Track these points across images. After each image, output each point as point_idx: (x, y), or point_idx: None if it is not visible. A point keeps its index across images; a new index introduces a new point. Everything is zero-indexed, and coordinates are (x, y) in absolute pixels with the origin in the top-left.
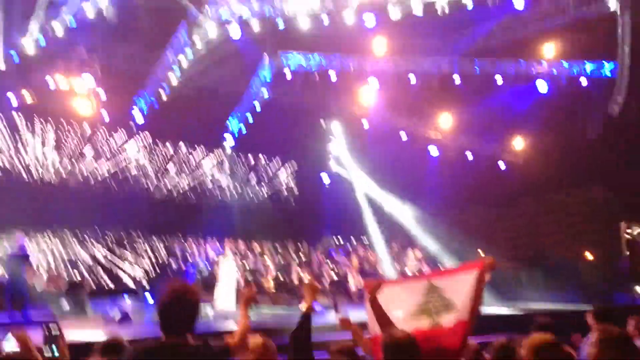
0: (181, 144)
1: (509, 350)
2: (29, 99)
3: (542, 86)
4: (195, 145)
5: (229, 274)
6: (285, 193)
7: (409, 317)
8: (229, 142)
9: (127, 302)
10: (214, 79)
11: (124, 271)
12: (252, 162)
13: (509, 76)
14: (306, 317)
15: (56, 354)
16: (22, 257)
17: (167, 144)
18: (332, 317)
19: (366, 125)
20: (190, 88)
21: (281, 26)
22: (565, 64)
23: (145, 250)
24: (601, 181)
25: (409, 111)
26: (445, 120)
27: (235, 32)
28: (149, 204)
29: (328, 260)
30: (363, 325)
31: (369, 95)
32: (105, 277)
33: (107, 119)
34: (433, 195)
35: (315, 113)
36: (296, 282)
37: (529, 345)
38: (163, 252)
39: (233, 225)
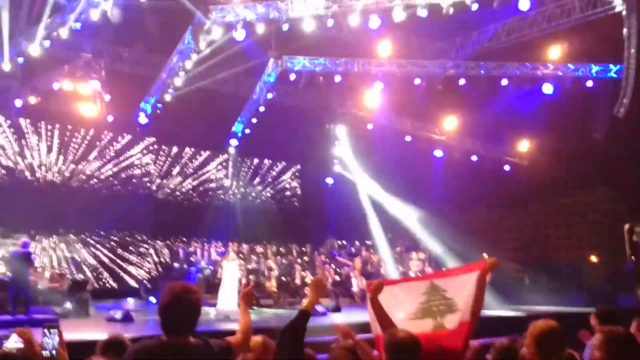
0: (186, 146)
1: (511, 351)
2: (34, 101)
3: (547, 88)
4: (200, 148)
5: (232, 275)
6: (289, 195)
7: (412, 318)
8: (233, 144)
9: (130, 302)
10: (219, 82)
11: (127, 272)
12: (257, 164)
13: (514, 78)
14: (303, 315)
15: (54, 355)
16: (25, 256)
17: (172, 146)
18: (335, 319)
19: (370, 128)
20: (195, 91)
21: (286, 29)
22: (571, 66)
23: (149, 252)
24: (606, 183)
25: (414, 113)
26: (450, 123)
27: (240, 35)
28: (152, 206)
29: (331, 262)
30: (365, 326)
31: (373, 98)
32: (109, 278)
33: (112, 122)
34: (437, 197)
35: (319, 115)
36: (299, 283)
37: (531, 332)
38: (166, 254)
39: (236, 227)
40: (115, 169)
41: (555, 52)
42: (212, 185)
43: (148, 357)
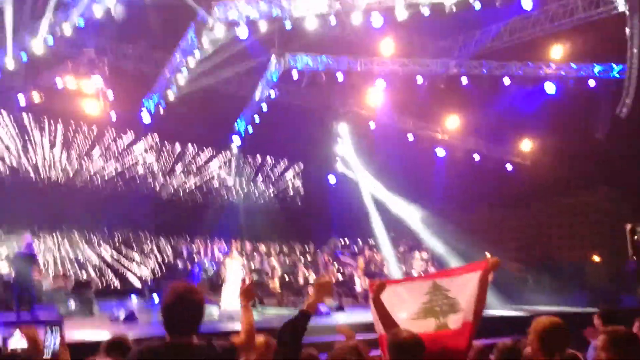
0: (189, 144)
1: (514, 352)
2: (37, 99)
3: (550, 88)
4: (203, 146)
5: (235, 274)
6: (292, 194)
7: (414, 318)
8: (236, 142)
9: (134, 301)
10: (221, 80)
11: (130, 271)
12: (259, 163)
13: (516, 77)
14: (303, 315)
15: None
16: (29, 256)
17: (175, 144)
18: (338, 319)
19: (373, 126)
20: (198, 89)
21: (289, 27)
22: (574, 66)
23: (152, 250)
24: (608, 183)
25: (416, 112)
26: (452, 122)
27: (243, 33)
28: (156, 204)
29: (334, 261)
30: (369, 326)
31: (376, 97)
32: (112, 277)
33: (115, 119)
34: (439, 196)
35: (322, 114)
36: (302, 282)
37: (534, 328)
38: (169, 252)
39: (239, 226)
40: (118, 168)
41: (557, 51)
42: (215, 183)
43: (152, 357)
